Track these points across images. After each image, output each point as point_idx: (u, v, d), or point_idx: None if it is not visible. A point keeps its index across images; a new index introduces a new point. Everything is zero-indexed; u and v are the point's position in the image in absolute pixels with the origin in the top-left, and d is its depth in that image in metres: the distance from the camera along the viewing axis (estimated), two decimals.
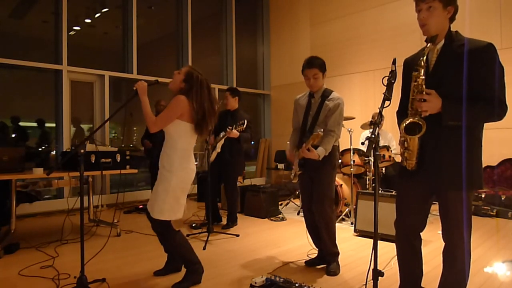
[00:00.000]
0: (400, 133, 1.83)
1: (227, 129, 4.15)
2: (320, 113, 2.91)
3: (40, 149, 5.89)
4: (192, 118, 2.53)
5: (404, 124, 1.80)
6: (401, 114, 1.98)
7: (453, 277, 1.91)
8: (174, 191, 2.52)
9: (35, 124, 5.90)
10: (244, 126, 4.09)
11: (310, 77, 2.92)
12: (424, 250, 2.09)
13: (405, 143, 1.85)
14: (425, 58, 1.79)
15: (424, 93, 1.76)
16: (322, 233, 2.93)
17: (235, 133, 4.14)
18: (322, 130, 2.68)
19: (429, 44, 1.82)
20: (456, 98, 1.74)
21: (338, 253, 3.00)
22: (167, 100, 2.68)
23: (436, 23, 1.81)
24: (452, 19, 1.86)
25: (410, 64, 2.00)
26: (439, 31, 1.83)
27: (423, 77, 1.78)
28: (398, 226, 2.04)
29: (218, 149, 4.27)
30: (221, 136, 4.24)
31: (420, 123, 1.76)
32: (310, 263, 3.07)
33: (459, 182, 1.79)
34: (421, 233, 2.03)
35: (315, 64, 2.90)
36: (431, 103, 1.74)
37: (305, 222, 3.12)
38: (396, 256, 2.13)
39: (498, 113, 1.73)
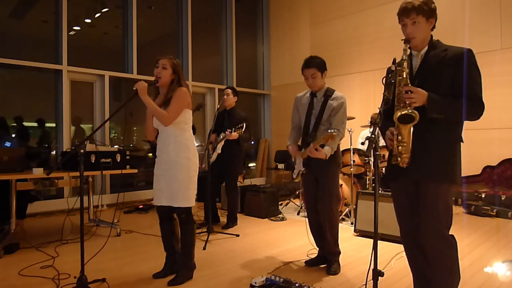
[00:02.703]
0: (395, 123, 1.84)
1: (227, 131, 4.17)
2: (323, 113, 2.92)
3: (39, 149, 5.90)
4: (192, 104, 2.72)
5: (399, 113, 1.81)
6: (385, 116, 1.95)
7: (441, 276, 1.92)
8: (195, 177, 2.69)
9: (35, 124, 5.90)
10: (243, 129, 4.10)
11: (308, 77, 2.94)
12: None
13: (399, 136, 1.86)
14: (408, 52, 1.92)
15: (409, 86, 1.85)
16: (326, 232, 2.93)
17: (234, 135, 4.16)
18: (335, 130, 2.66)
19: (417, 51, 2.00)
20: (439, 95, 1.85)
21: (339, 253, 3.01)
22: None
23: (422, 35, 1.96)
24: (433, 29, 2.01)
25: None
26: (424, 41, 1.98)
27: (407, 71, 1.89)
28: (401, 227, 2.08)
29: (219, 150, 4.30)
30: (221, 137, 4.27)
31: (413, 115, 1.79)
32: (310, 263, 3.07)
33: (437, 174, 1.88)
34: None
35: (312, 64, 2.91)
36: (418, 94, 1.82)
37: (309, 221, 3.11)
38: (403, 256, 2.13)
39: (476, 110, 1.87)
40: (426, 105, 1.83)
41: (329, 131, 2.65)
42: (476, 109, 1.86)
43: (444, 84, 1.88)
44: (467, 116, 1.87)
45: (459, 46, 1.94)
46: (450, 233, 1.94)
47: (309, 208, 3.10)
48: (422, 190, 1.93)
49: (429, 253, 1.94)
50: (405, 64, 1.87)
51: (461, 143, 1.96)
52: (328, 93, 2.95)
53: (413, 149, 1.87)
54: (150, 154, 6.21)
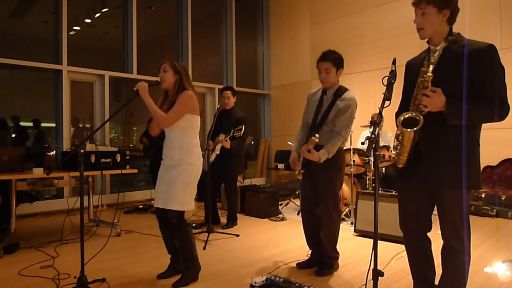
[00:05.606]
0: (397, 126, 1.83)
1: (221, 137, 4.16)
2: (330, 112, 2.82)
3: (38, 149, 5.89)
4: (199, 110, 2.68)
5: (402, 118, 1.80)
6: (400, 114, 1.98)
7: (452, 278, 1.90)
8: (194, 183, 2.68)
9: (30, 124, 5.89)
10: (242, 132, 4.09)
11: (322, 71, 2.84)
12: None
13: (400, 137, 1.84)
14: (436, 54, 1.78)
15: (428, 89, 1.76)
16: (322, 236, 2.89)
17: (227, 144, 4.15)
18: (317, 136, 2.62)
19: (434, 46, 1.84)
20: (456, 97, 1.73)
21: (337, 258, 2.96)
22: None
23: (431, 27, 1.83)
24: (451, 21, 1.86)
25: (412, 66, 2.00)
26: (436, 34, 1.85)
27: (431, 74, 1.77)
28: (404, 230, 2.04)
29: (217, 151, 4.29)
30: (220, 138, 4.27)
31: (418, 118, 1.76)
32: (302, 265, 3.01)
33: (455, 181, 1.79)
34: (428, 234, 2.01)
35: (329, 58, 2.81)
36: (432, 99, 1.74)
37: (302, 222, 3.06)
38: (406, 258, 2.11)
39: (500, 113, 1.73)
40: (444, 111, 1.72)
41: (314, 135, 2.61)
42: (500, 111, 1.72)
43: (462, 84, 1.74)
44: (489, 119, 1.75)
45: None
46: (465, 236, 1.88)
47: (303, 209, 3.05)
48: (437, 196, 1.88)
49: (442, 255, 1.91)
50: (430, 67, 1.77)
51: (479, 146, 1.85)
52: (339, 93, 2.85)
53: (429, 154, 1.83)
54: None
